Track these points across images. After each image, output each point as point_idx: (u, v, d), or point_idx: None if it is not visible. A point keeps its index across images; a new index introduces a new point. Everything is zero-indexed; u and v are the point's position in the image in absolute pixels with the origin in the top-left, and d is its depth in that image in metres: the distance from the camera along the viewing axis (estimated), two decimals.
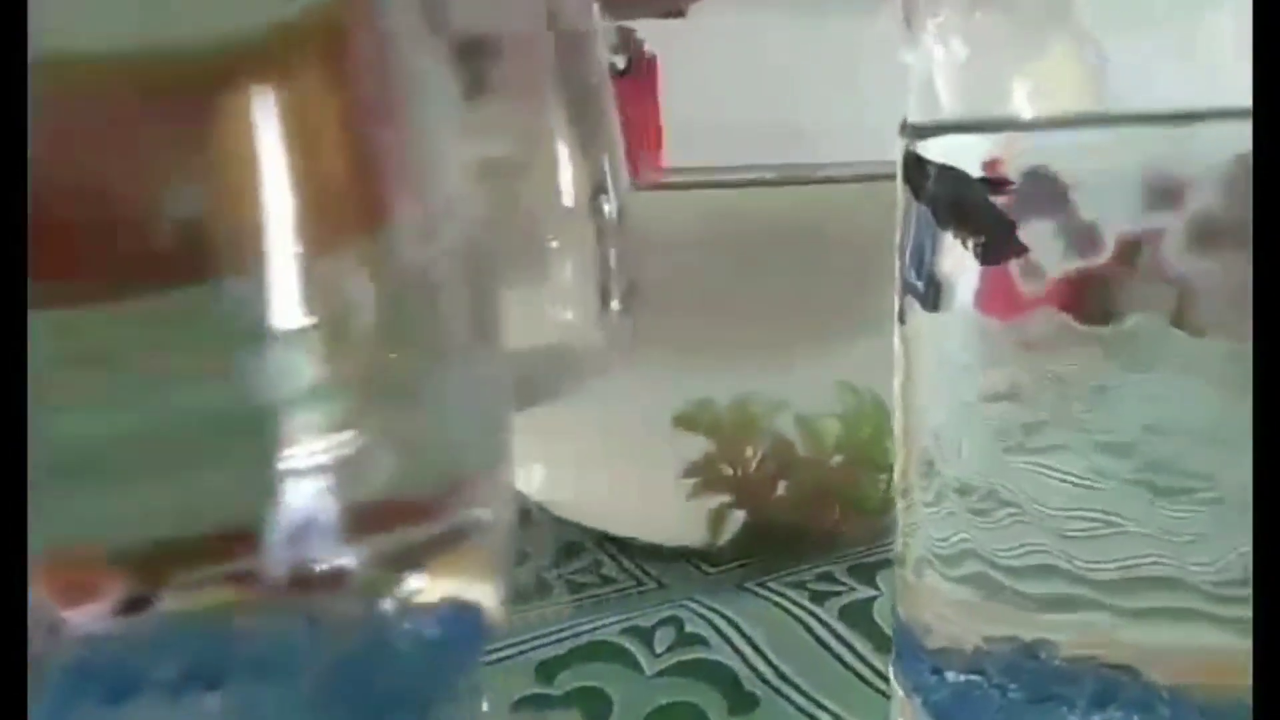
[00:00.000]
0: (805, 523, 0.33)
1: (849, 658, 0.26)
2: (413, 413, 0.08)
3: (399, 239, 0.08)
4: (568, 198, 0.18)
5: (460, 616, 0.09)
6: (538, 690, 0.25)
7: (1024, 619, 0.18)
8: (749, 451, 0.34)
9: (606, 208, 0.19)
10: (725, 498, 0.33)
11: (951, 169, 0.20)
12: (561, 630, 0.27)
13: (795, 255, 0.33)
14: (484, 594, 0.09)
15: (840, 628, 0.27)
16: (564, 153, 0.18)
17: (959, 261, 0.19)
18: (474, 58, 0.16)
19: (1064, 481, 0.17)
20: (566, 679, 0.25)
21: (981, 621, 0.19)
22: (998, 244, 0.19)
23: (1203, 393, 0.16)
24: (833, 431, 0.34)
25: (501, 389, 0.09)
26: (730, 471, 0.33)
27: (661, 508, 0.33)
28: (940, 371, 0.20)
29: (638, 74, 0.57)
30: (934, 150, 0.20)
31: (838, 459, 0.34)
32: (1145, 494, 0.16)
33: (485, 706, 0.22)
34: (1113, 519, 0.17)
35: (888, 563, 0.24)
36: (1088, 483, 0.17)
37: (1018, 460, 0.18)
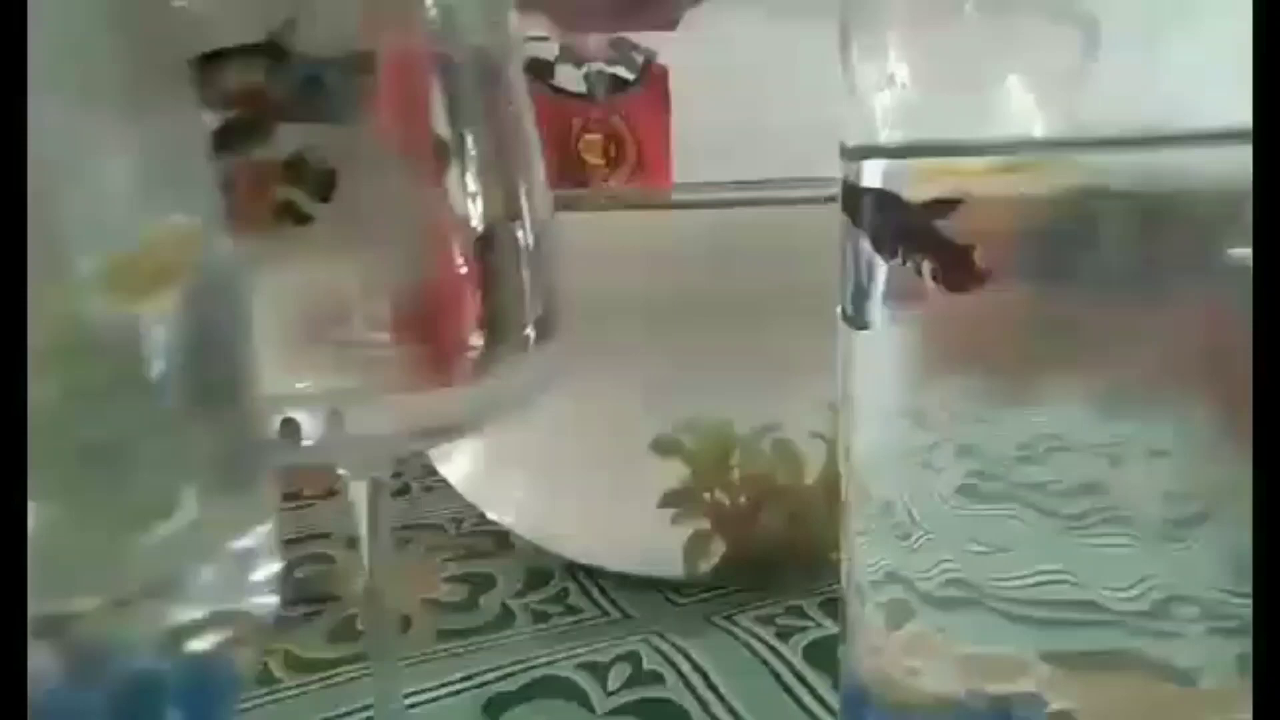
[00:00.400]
0: (786, 553, 0.32)
1: (807, 699, 0.25)
2: (109, 478, 0.08)
3: (79, 299, 0.07)
4: (477, 223, 0.18)
5: (206, 666, 0.08)
6: None
7: (950, 651, 0.17)
8: (731, 477, 0.33)
9: (520, 234, 0.18)
10: (704, 525, 0.32)
11: (888, 194, 0.19)
12: (517, 663, 0.27)
13: (788, 270, 0.32)
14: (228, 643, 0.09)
15: (802, 667, 0.26)
16: (471, 176, 0.17)
17: (890, 286, 0.19)
18: (348, 75, 0.15)
19: (970, 502, 0.16)
20: (513, 716, 0.25)
21: (910, 656, 0.18)
22: (955, 270, 0.18)
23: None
24: (817, 455, 0.33)
25: (245, 443, 0.08)
26: (709, 498, 0.32)
27: (636, 535, 0.32)
28: (869, 393, 0.19)
29: (647, 86, 0.57)
30: (871, 175, 0.19)
31: (822, 484, 0.33)
32: (1048, 513, 0.15)
33: None
34: (1013, 540, 0.16)
35: None
36: (988, 504, 0.16)
37: (928, 480, 0.17)
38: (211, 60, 0.14)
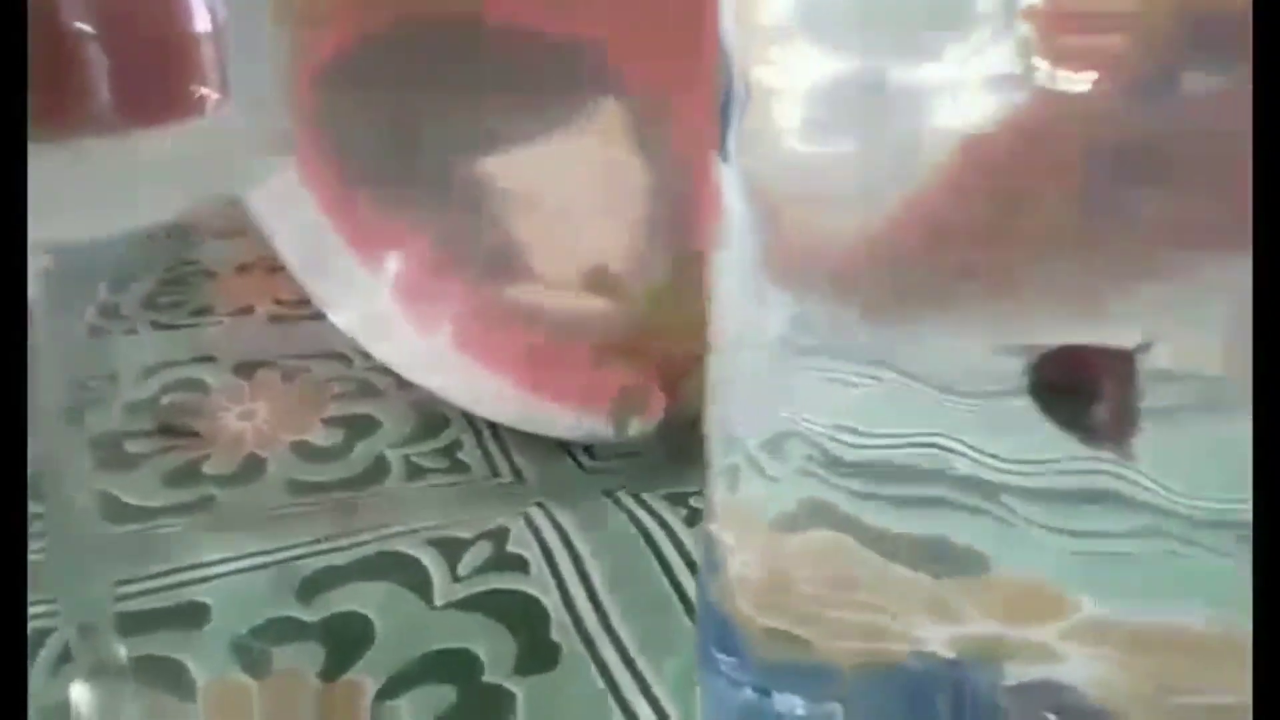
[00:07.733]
0: None
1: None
2: None
3: None
4: None
5: None
6: (287, 613, 0.19)
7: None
8: (679, 324, 0.26)
9: None
10: (641, 378, 0.26)
11: None
12: (357, 532, 0.21)
13: None
14: None
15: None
16: None
17: None
18: None
19: None
20: (330, 600, 0.19)
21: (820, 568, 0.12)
22: None
23: None
24: None
25: None
26: (656, 345, 0.26)
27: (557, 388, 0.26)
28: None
29: None
30: None
31: None
32: None
33: (124, 653, 0.16)
34: None
35: None
36: None
37: None
38: None
